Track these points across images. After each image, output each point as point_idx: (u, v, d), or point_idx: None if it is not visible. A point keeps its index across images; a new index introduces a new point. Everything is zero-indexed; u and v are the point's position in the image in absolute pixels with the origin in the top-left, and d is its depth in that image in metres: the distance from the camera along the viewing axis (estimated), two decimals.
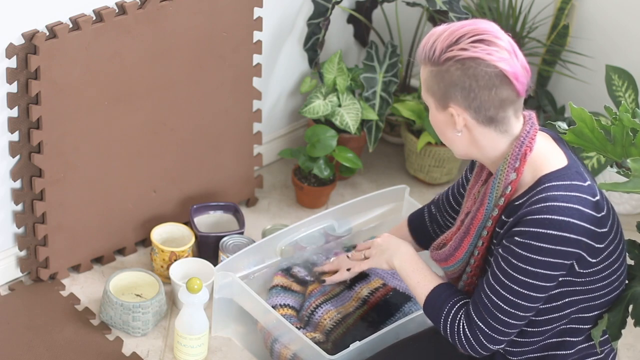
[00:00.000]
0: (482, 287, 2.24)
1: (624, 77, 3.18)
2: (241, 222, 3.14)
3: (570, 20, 3.52)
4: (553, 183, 2.17)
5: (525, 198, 2.20)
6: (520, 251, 2.16)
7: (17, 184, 2.88)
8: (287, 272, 2.89)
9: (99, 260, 3.12)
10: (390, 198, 3.05)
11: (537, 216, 2.14)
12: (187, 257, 3.05)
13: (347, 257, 2.71)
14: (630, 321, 2.34)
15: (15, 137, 2.81)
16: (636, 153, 2.28)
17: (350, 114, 3.33)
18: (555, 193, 2.16)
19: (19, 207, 2.92)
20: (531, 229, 2.15)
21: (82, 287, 3.04)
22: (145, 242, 3.19)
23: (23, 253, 3.00)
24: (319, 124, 3.38)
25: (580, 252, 2.17)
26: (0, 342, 2.82)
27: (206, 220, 3.18)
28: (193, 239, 3.07)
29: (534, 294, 2.19)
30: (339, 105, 3.35)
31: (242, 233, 3.10)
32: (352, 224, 3.03)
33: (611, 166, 2.44)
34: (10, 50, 2.68)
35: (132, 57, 2.88)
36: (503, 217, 2.24)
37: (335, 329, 2.74)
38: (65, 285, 3.03)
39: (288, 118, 3.54)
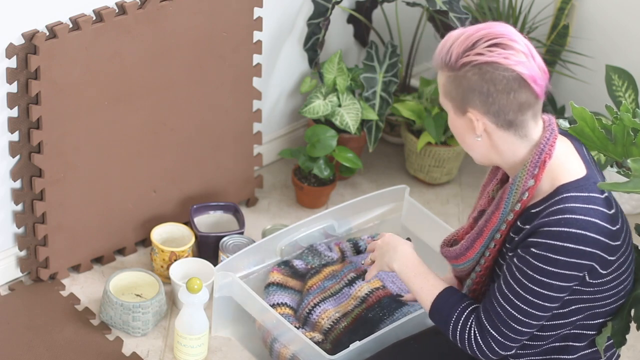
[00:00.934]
0: (494, 294, 2.23)
1: (624, 77, 3.18)
2: (241, 222, 3.14)
3: (570, 20, 3.51)
4: (572, 194, 2.16)
5: (542, 207, 2.18)
6: (536, 262, 2.15)
7: (17, 184, 2.88)
8: (284, 265, 2.89)
9: (99, 260, 3.12)
10: (390, 198, 3.05)
11: (555, 228, 2.13)
12: (187, 257, 3.05)
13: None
14: (632, 324, 2.33)
15: (15, 137, 2.81)
16: (637, 153, 2.28)
17: (350, 114, 3.33)
18: (573, 205, 2.14)
19: (19, 207, 2.92)
20: (548, 241, 2.14)
21: (82, 287, 3.04)
22: (145, 242, 3.19)
23: (23, 253, 3.00)
24: (319, 124, 3.38)
25: (594, 264, 2.17)
26: (0, 342, 2.81)
27: (206, 220, 3.18)
28: (193, 239, 3.07)
29: (547, 304, 2.19)
30: (339, 105, 3.34)
31: (242, 233, 3.09)
32: (352, 224, 3.03)
33: (611, 166, 2.44)
34: (10, 50, 2.68)
35: (132, 57, 2.88)
36: (518, 223, 2.23)
37: (333, 329, 2.74)
38: (65, 285, 3.03)
39: (288, 118, 3.54)
